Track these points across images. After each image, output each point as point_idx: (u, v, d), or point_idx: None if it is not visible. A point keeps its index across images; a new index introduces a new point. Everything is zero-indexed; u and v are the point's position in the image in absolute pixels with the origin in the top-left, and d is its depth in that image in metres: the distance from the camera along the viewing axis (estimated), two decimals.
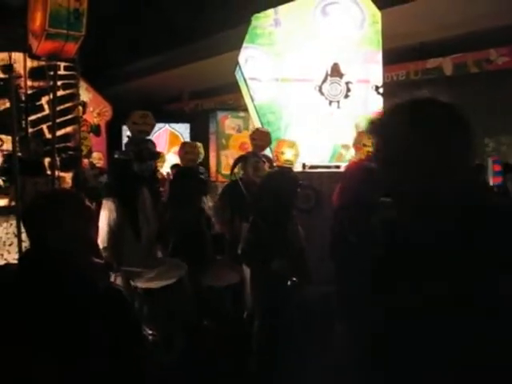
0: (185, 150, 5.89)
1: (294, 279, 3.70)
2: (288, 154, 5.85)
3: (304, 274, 3.90)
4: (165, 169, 9.00)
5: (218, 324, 4.11)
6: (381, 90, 6.57)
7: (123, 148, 11.16)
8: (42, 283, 1.82)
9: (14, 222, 3.99)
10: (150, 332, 3.60)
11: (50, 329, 1.75)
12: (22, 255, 2.01)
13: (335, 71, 6.42)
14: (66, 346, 1.75)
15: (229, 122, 11.12)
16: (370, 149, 5.59)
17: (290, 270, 3.70)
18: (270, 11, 6.41)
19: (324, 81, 6.41)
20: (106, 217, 4.22)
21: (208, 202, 6.22)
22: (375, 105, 6.57)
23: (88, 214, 2.00)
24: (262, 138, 5.88)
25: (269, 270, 3.70)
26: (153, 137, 12.49)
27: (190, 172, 4.92)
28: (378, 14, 6.53)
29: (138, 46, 13.10)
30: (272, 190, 3.93)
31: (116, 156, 4.81)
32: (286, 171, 5.16)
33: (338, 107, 6.46)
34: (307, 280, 3.96)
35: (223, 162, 10.73)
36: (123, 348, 1.88)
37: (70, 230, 1.89)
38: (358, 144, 5.86)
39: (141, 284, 3.70)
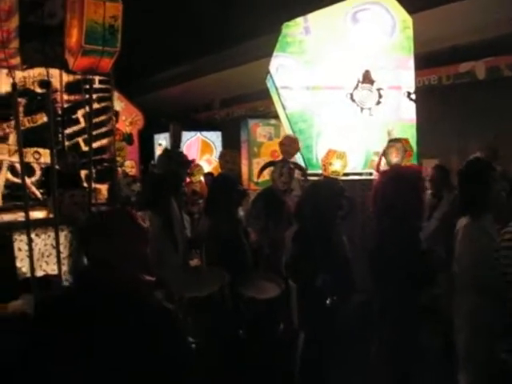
0: (225, 158, 5.90)
1: (334, 297, 3.69)
2: (336, 165, 5.79)
3: (348, 285, 3.88)
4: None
5: (254, 335, 4.11)
6: (413, 96, 6.52)
7: (155, 157, 11.29)
8: (95, 301, 1.86)
9: (52, 234, 4.06)
10: (192, 340, 3.62)
11: (100, 345, 1.79)
12: (78, 273, 2.05)
13: (366, 78, 6.39)
14: (116, 362, 1.79)
15: (260, 130, 11.14)
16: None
17: (333, 286, 3.68)
18: (300, 19, 6.41)
19: (355, 88, 6.39)
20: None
21: (239, 211, 6.25)
22: (407, 111, 6.52)
23: (140, 232, 2.04)
24: (290, 144, 5.88)
25: (313, 286, 3.68)
26: (185, 145, 12.67)
27: (230, 182, 4.93)
28: (409, 19, 6.48)
29: (169, 54, 13.23)
30: (315, 201, 3.91)
31: (150, 169, 4.88)
32: (331, 182, 5.14)
33: (370, 114, 6.42)
34: (351, 291, 3.94)
35: (255, 170, 10.73)
36: (171, 365, 1.90)
37: (122, 249, 1.94)
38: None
39: (187, 293, 3.72)
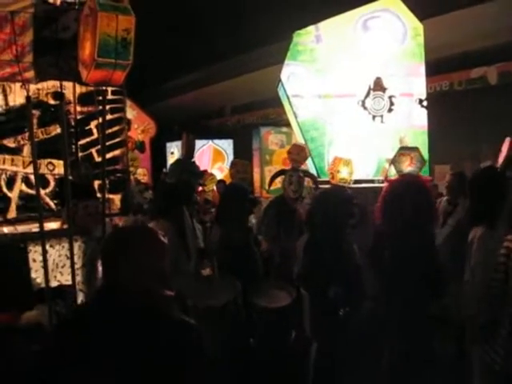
0: (236, 168, 5.94)
1: (347, 309, 3.68)
2: (344, 173, 5.77)
3: (359, 294, 3.88)
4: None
5: (266, 344, 4.11)
6: (425, 103, 6.50)
7: (168, 165, 11.33)
8: (114, 318, 1.88)
9: (66, 245, 4.10)
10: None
11: (123, 361, 1.80)
12: (97, 289, 2.07)
13: (378, 85, 6.38)
14: (139, 377, 1.80)
15: (272, 138, 11.17)
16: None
17: (345, 297, 3.68)
18: (311, 28, 6.42)
19: (367, 95, 6.38)
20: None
21: (251, 219, 6.26)
22: (419, 118, 6.51)
23: (160, 248, 2.06)
24: (297, 152, 5.88)
25: (325, 296, 3.68)
26: (197, 153, 12.71)
27: (241, 191, 4.94)
28: (420, 27, 6.47)
29: (180, 62, 13.29)
30: (325, 210, 3.91)
31: (162, 179, 4.91)
32: (340, 190, 5.13)
33: (382, 121, 6.41)
34: (362, 300, 3.93)
35: (267, 177, 10.74)
36: (193, 379, 1.92)
37: (143, 265, 1.96)
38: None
39: (199, 303, 3.72)
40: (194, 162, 4.80)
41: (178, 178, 5.04)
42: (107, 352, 1.81)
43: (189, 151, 5.15)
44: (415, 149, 5.84)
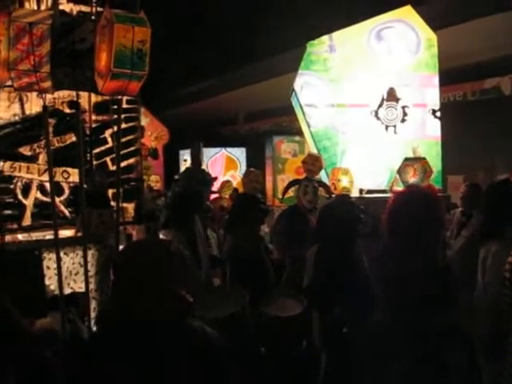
0: (250, 177, 5.97)
1: (349, 329, 3.67)
2: (344, 182, 5.84)
3: (367, 306, 3.86)
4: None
5: (276, 353, 4.12)
6: (438, 114, 6.50)
7: (180, 172, 11.34)
8: (127, 333, 1.90)
9: (80, 252, 4.12)
10: None
11: (149, 373, 1.83)
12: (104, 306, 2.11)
13: (391, 96, 6.40)
14: None
15: (285, 147, 11.19)
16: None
17: (350, 315, 3.67)
18: (325, 38, 6.46)
19: (380, 105, 6.40)
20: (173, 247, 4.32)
21: (264, 228, 6.27)
22: (432, 129, 6.51)
23: (172, 262, 2.09)
24: (312, 162, 5.90)
25: (332, 312, 3.68)
26: (209, 161, 12.75)
27: (253, 201, 4.96)
28: (433, 37, 6.49)
29: (193, 70, 13.35)
30: (332, 220, 3.91)
31: (173, 188, 4.94)
32: (345, 198, 5.14)
33: (395, 132, 6.43)
34: (370, 312, 3.92)
35: (279, 186, 10.75)
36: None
37: (165, 288, 1.99)
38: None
39: (208, 314, 3.74)
40: (203, 170, 4.83)
41: (186, 187, 5.07)
42: (136, 367, 1.84)
43: (194, 159, 5.17)
44: (421, 159, 5.84)
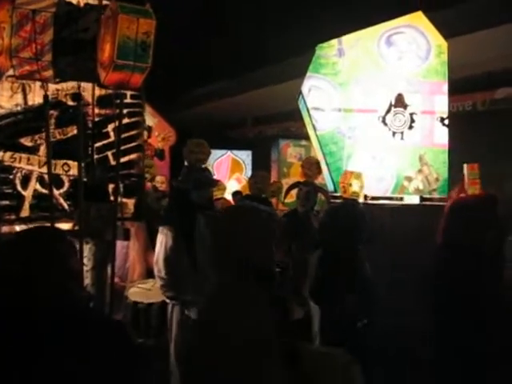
0: (255, 179, 5.95)
1: (365, 321, 3.62)
2: (355, 186, 5.73)
3: (369, 309, 3.81)
4: (226, 196, 9.01)
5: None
6: (446, 122, 6.43)
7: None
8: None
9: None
10: None
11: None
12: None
13: (399, 102, 6.33)
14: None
15: (291, 151, 11.16)
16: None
17: (359, 310, 3.62)
18: (334, 41, 6.40)
19: (388, 111, 6.34)
20: (162, 244, 4.28)
21: None
22: (440, 136, 6.44)
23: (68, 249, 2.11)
24: (309, 167, 5.89)
25: (339, 310, 3.62)
26: (215, 163, 12.72)
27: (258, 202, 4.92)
28: (444, 44, 6.42)
29: (202, 73, 13.35)
30: (337, 225, 3.86)
31: (174, 184, 4.88)
32: (353, 204, 5.07)
33: (402, 138, 6.35)
34: (372, 315, 3.86)
35: (284, 190, 10.71)
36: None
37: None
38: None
39: (193, 315, 3.70)
40: (202, 169, 4.76)
41: (180, 186, 5.01)
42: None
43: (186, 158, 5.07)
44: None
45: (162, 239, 4.36)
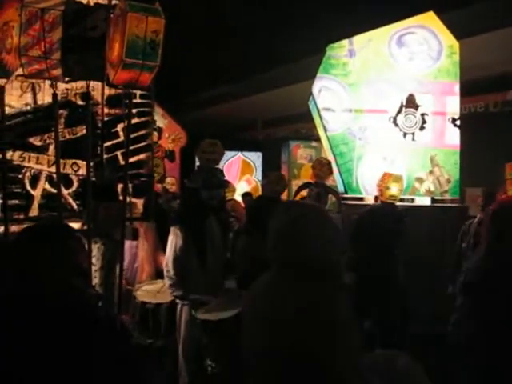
0: (269, 179, 5.92)
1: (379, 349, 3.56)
2: (393, 189, 5.52)
3: (404, 315, 3.73)
4: (236, 197, 8.99)
5: None
6: (458, 123, 6.38)
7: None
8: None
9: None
10: (209, 363, 3.56)
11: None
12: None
13: (410, 102, 6.29)
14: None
15: (301, 152, 11.12)
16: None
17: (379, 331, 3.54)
18: (345, 42, 6.38)
19: (399, 112, 6.30)
20: (172, 243, 4.26)
21: None
22: (451, 137, 6.39)
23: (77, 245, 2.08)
24: (320, 168, 5.86)
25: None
26: (225, 164, 12.71)
27: (271, 203, 4.87)
28: (455, 45, 6.38)
29: (213, 74, 13.35)
30: (372, 229, 3.78)
31: (186, 184, 4.86)
32: (390, 207, 4.98)
33: (413, 139, 6.31)
34: (407, 321, 3.78)
35: (294, 191, 10.68)
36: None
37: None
38: None
39: (200, 315, 3.67)
40: (214, 169, 4.73)
41: (191, 187, 4.98)
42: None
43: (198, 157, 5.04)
44: None
45: (172, 239, 4.34)
